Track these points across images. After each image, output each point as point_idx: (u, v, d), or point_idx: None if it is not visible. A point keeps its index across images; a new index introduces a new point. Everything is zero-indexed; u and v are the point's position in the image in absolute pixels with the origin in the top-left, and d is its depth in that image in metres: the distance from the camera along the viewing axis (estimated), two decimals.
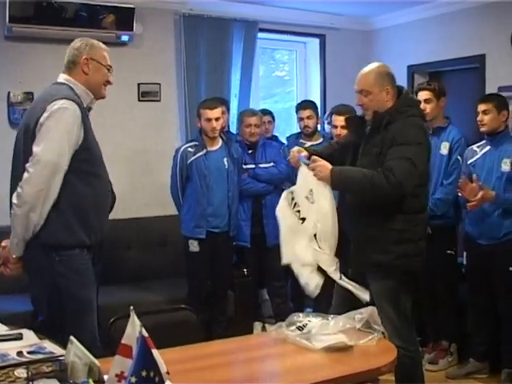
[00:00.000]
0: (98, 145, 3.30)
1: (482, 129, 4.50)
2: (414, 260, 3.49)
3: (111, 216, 3.51)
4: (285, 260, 3.35)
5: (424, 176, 3.55)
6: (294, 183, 3.56)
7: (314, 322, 2.79)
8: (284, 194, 3.44)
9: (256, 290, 5.70)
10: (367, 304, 3.05)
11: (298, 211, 3.37)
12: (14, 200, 3.07)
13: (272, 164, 5.35)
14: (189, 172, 4.95)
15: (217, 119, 4.89)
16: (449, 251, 4.78)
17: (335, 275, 3.25)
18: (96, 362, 2.06)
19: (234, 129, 5.92)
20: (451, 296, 4.88)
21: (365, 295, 3.17)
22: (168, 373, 1.90)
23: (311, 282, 3.25)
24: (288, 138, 5.89)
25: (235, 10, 6.12)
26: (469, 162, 4.57)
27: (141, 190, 5.79)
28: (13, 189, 3.15)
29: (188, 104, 5.92)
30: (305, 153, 3.50)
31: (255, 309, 5.66)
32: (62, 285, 3.13)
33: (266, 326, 5.57)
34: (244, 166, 5.26)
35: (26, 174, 3.04)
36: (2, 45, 5.22)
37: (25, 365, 2.21)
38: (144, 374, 1.69)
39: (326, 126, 5.96)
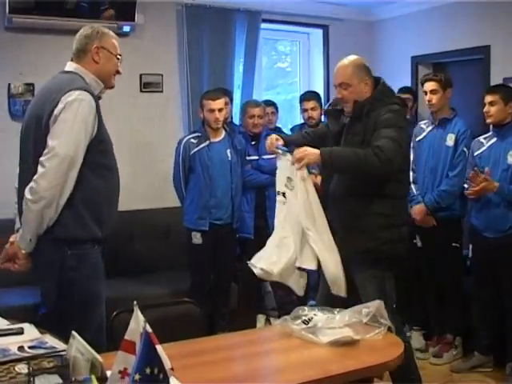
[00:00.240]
0: (109, 135, 3.22)
1: (488, 120, 4.46)
2: (398, 245, 3.56)
3: None
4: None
5: (406, 161, 3.65)
6: None
7: (319, 315, 2.75)
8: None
9: (259, 282, 5.66)
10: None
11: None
12: (28, 195, 2.96)
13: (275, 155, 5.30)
14: (192, 163, 4.91)
15: (220, 110, 4.85)
16: (454, 244, 4.75)
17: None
18: (98, 357, 2.02)
19: (237, 120, 5.88)
20: (456, 289, 4.85)
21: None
22: (172, 369, 1.87)
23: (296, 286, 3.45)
24: (292, 130, 5.84)
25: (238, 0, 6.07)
26: (475, 154, 4.53)
27: (143, 181, 5.75)
28: (22, 182, 3.09)
29: (191, 95, 5.88)
30: (281, 141, 3.61)
31: (258, 301, 5.62)
32: (74, 279, 3.07)
33: (270, 318, 5.53)
34: (247, 158, 5.22)
35: (41, 169, 2.93)
36: (2, 36, 5.16)
37: (26, 360, 2.18)
38: (148, 370, 1.65)
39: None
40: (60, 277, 3.07)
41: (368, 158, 3.26)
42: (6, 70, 5.18)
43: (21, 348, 2.30)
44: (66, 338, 2.22)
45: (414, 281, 5.06)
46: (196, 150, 4.90)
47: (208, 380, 2.26)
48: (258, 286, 5.63)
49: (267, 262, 3.42)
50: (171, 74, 5.95)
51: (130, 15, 5.47)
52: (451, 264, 4.77)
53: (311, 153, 3.30)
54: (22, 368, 2.12)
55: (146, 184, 5.77)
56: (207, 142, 4.93)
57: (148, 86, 5.83)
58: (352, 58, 3.64)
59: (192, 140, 4.95)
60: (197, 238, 4.91)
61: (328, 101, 6.55)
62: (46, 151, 2.95)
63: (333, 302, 3.16)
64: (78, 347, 2.06)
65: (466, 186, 4.45)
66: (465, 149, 4.63)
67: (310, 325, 2.68)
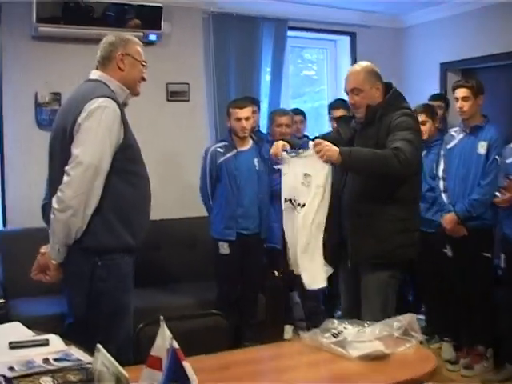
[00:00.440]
0: (137, 142, 3.19)
1: None
2: (410, 250, 3.57)
3: None
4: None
5: (420, 164, 3.65)
6: None
7: (349, 328, 2.69)
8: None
9: (287, 292, 5.61)
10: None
11: (298, 204, 3.46)
12: (55, 205, 2.94)
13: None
14: (218, 173, 4.88)
15: (247, 119, 4.80)
16: (485, 254, 4.65)
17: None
18: (124, 372, 1.97)
19: (264, 128, 5.84)
20: (487, 299, 4.75)
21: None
22: None
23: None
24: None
25: (265, 7, 6.06)
26: (507, 161, 4.44)
27: (170, 190, 5.73)
28: (51, 192, 3.07)
29: (217, 104, 5.87)
30: (288, 146, 3.60)
31: (286, 312, 5.57)
32: (102, 289, 3.04)
33: (298, 329, 5.47)
34: (275, 167, 5.17)
35: (66, 178, 2.91)
36: (29, 45, 5.20)
37: (51, 373, 2.15)
38: None
39: None
40: (89, 287, 3.05)
41: (388, 158, 3.24)
42: (32, 79, 5.21)
43: (46, 360, 2.26)
44: (92, 350, 2.18)
45: (444, 291, 4.97)
46: (223, 159, 4.86)
47: None
48: (286, 296, 5.58)
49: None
50: (198, 83, 5.94)
51: (156, 24, 5.47)
52: (482, 274, 4.68)
53: (330, 149, 3.27)
54: (47, 381, 2.09)
55: (172, 193, 5.75)
56: (234, 151, 4.89)
57: (174, 94, 5.83)
58: (363, 63, 3.71)
59: (219, 149, 4.92)
60: (224, 249, 4.86)
61: None
62: (70, 160, 2.93)
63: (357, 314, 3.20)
64: (103, 361, 2.02)
65: (497, 194, 4.36)
66: (497, 157, 4.53)
67: (339, 338, 2.62)
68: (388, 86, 3.65)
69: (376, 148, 3.38)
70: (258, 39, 6.08)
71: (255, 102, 5.40)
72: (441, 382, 4.21)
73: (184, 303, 4.84)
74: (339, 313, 4.95)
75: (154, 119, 5.69)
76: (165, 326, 1.77)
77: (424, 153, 4.99)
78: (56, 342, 2.50)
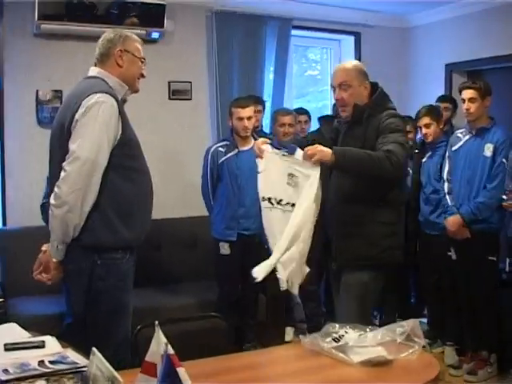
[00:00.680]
0: (137, 138, 3.16)
1: None
2: (396, 253, 3.54)
3: None
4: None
5: (406, 167, 3.70)
6: None
7: (350, 333, 2.64)
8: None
9: (288, 293, 5.56)
10: None
11: (284, 203, 3.37)
12: (52, 200, 2.94)
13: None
14: (220, 172, 4.84)
15: (249, 118, 4.76)
16: (490, 257, 4.59)
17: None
18: (118, 376, 1.93)
19: (267, 128, 5.79)
20: (491, 304, 4.70)
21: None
22: None
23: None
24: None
25: (269, 6, 6.01)
26: None
27: (171, 189, 5.70)
28: (50, 190, 3.05)
29: (220, 103, 5.83)
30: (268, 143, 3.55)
31: (287, 313, 5.53)
32: (101, 288, 3.03)
33: (299, 331, 5.43)
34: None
35: (62, 173, 2.91)
36: (30, 42, 5.17)
37: (45, 376, 2.12)
38: None
39: None
40: (88, 285, 3.03)
41: (381, 161, 3.20)
42: (34, 77, 5.17)
43: (41, 363, 2.23)
44: (89, 350, 2.15)
45: (448, 294, 4.93)
46: (224, 158, 4.83)
47: None
48: (287, 297, 5.53)
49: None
50: (200, 82, 5.90)
51: (159, 22, 5.44)
52: (486, 278, 4.63)
53: (323, 150, 3.20)
54: None
55: (174, 192, 5.72)
56: (236, 151, 4.85)
57: (176, 93, 5.79)
58: (353, 61, 3.72)
59: (220, 148, 4.88)
60: (225, 249, 4.83)
61: None
62: (67, 156, 2.92)
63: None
64: (98, 364, 1.98)
65: (504, 197, 4.30)
66: (504, 160, 4.48)
67: (340, 343, 2.57)
68: (374, 86, 3.60)
69: (362, 149, 3.34)
70: (261, 38, 6.04)
71: (259, 102, 5.37)
72: None
73: (184, 303, 4.81)
74: None
75: (155, 117, 5.66)
76: (160, 331, 1.73)
77: (429, 154, 4.99)
78: (52, 344, 2.47)
